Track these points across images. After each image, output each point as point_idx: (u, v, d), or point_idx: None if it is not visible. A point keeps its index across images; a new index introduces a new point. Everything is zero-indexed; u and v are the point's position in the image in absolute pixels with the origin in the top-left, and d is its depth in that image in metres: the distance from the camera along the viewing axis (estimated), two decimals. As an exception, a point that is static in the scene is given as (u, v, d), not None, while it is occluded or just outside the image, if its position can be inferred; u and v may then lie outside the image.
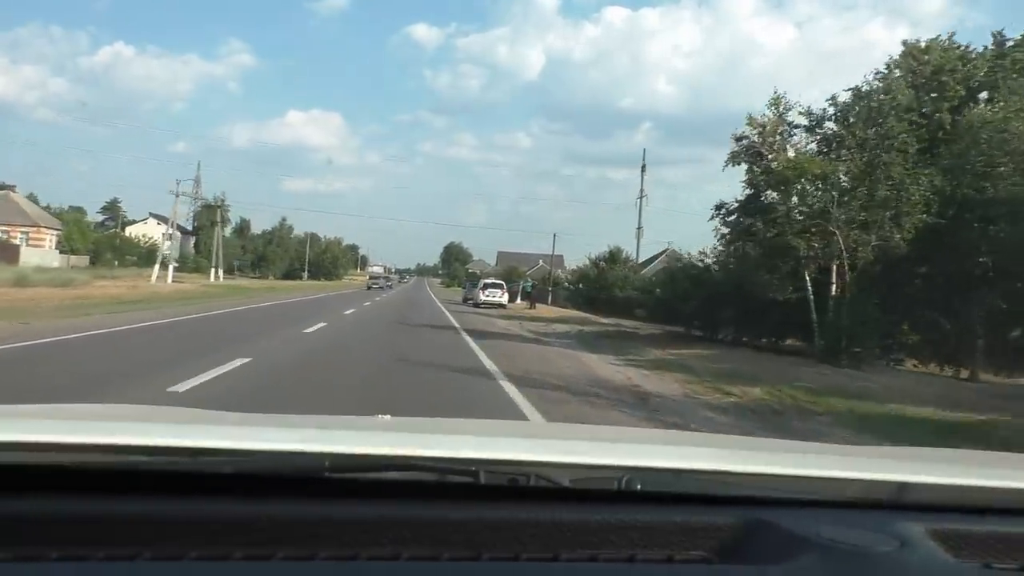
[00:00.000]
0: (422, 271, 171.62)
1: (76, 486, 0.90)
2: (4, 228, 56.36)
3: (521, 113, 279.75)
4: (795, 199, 14.57)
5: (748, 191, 15.86)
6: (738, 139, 15.74)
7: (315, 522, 0.91)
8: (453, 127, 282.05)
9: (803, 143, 15.27)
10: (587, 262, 48.78)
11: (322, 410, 5.53)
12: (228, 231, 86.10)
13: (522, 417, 7.31)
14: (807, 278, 15.09)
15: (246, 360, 9.92)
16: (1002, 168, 12.87)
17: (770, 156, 15.49)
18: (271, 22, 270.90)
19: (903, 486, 1.13)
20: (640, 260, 50.75)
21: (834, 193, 14.32)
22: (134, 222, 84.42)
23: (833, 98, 15.32)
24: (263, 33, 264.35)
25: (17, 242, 54.75)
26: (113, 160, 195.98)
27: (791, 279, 15.16)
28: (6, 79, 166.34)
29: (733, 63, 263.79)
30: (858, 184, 14.32)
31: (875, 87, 14.60)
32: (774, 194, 15.55)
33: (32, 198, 73.73)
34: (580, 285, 48.77)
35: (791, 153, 15.25)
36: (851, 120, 14.53)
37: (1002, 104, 13.79)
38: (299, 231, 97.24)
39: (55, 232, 61.34)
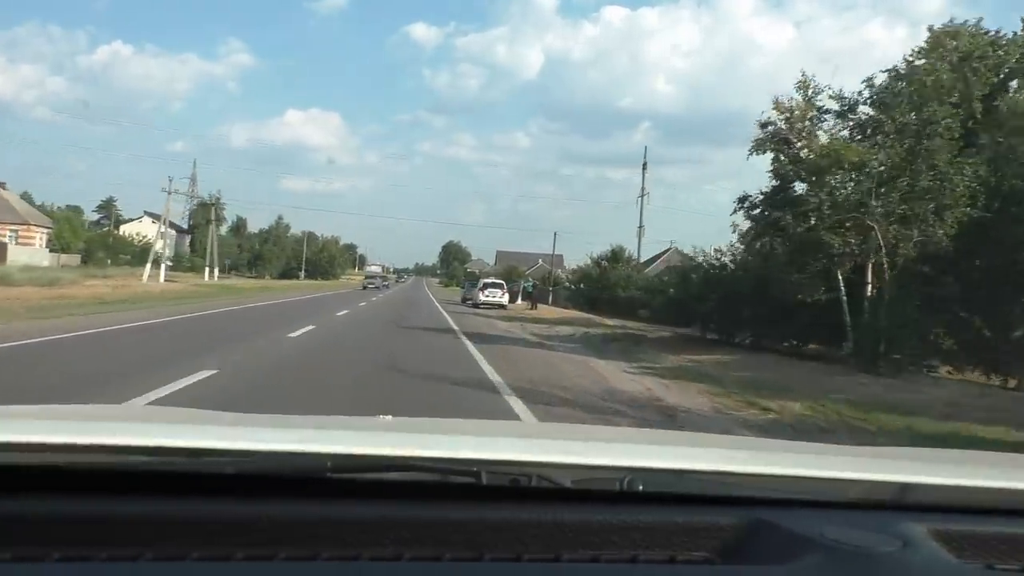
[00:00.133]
0: (421, 271, 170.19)
1: (77, 487, 0.90)
2: (-7, 226, 54.98)
3: (520, 113, 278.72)
4: (828, 190, 13.11)
5: (774, 182, 14.40)
6: (763, 125, 14.32)
7: (316, 522, 0.91)
8: (452, 127, 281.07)
9: (835, 129, 13.84)
10: (588, 261, 47.48)
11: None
12: (224, 230, 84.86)
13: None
14: (840, 277, 13.67)
15: (211, 373, 8.49)
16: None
17: (799, 144, 14.06)
18: (270, 22, 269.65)
19: (906, 487, 1.11)
20: (642, 259, 49.57)
21: (871, 184, 12.89)
22: (130, 221, 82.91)
23: (869, 80, 13.93)
24: (262, 33, 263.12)
25: (6, 240, 53.20)
26: (111, 159, 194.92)
27: (823, 278, 13.73)
28: (4, 78, 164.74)
29: (732, 63, 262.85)
30: (898, 173, 12.89)
31: (915, 67, 13.14)
32: (803, 185, 14.12)
33: (27, 197, 72.26)
34: (581, 285, 47.48)
35: (823, 139, 13.81)
36: (889, 103, 13.09)
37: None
38: (298, 231, 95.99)
39: (46, 230, 59.81)
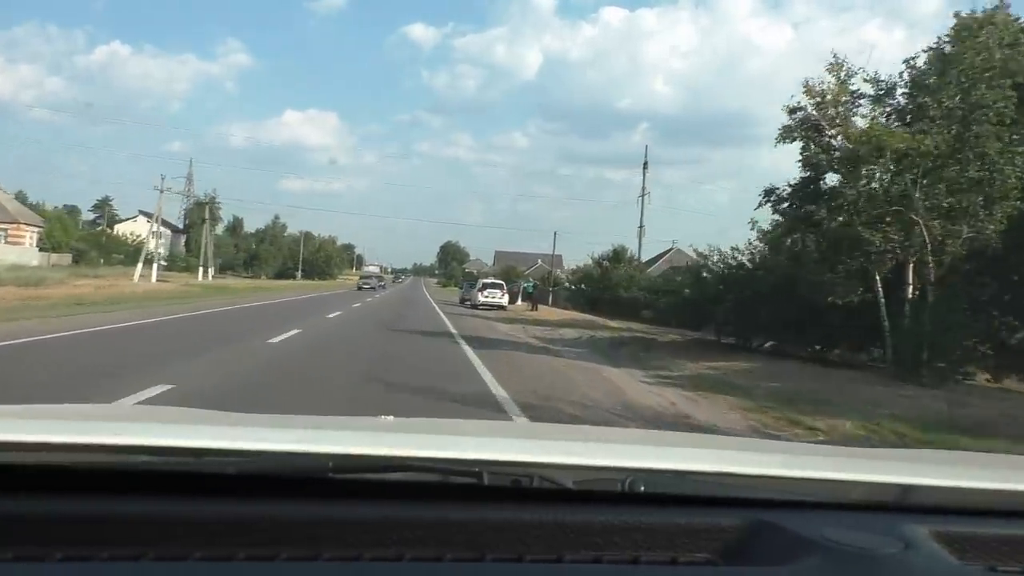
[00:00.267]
0: (419, 271, 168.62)
1: (79, 486, 0.89)
2: (-18, 225, 53.48)
3: (518, 113, 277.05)
4: (865, 181, 11.72)
5: (804, 173, 13.00)
6: (792, 111, 12.91)
7: (318, 523, 0.90)
8: (450, 127, 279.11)
9: (873, 115, 12.43)
10: (590, 261, 46.13)
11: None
12: (220, 230, 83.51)
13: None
14: (877, 277, 12.29)
15: (164, 389, 7.08)
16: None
17: (831, 131, 12.68)
18: (268, 22, 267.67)
19: (908, 488, 1.11)
20: (642, 260, 48.31)
21: (912, 175, 11.52)
22: (124, 220, 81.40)
23: (910, 62, 12.55)
24: (260, 33, 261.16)
25: (-6, 239, 51.77)
26: (110, 159, 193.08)
27: (860, 278, 12.35)
28: (2, 78, 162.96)
29: (730, 64, 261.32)
30: (943, 163, 11.52)
31: (963, 46, 11.76)
32: (836, 176, 12.73)
33: (21, 196, 70.79)
34: (582, 285, 46.15)
35: (860, 124, 12.42)
36: (933, 86, 11.70)
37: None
38: (296, 230, 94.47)
39: (37, 229, 58.27)
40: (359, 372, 9.66)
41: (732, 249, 17.80)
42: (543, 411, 7.81)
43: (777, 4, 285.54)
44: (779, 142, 13.15)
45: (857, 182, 11.74)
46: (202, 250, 60.61)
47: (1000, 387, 13.98)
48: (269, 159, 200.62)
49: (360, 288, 56.70)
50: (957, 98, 11.68)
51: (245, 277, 75.17)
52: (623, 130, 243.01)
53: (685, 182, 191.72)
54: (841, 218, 11.85)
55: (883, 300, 12.35)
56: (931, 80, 11.74)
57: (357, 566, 0.85)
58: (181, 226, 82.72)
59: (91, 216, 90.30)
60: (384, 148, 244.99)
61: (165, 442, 0.98)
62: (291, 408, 7.06)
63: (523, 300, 39.98)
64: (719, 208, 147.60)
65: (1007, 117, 11.54)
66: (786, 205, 13.12)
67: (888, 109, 12.36)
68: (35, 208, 65.52)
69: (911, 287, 12.41)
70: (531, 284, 42.04)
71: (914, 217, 11.41)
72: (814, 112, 12.77)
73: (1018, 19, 14.10)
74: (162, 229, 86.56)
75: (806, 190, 12.80)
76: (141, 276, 47.02)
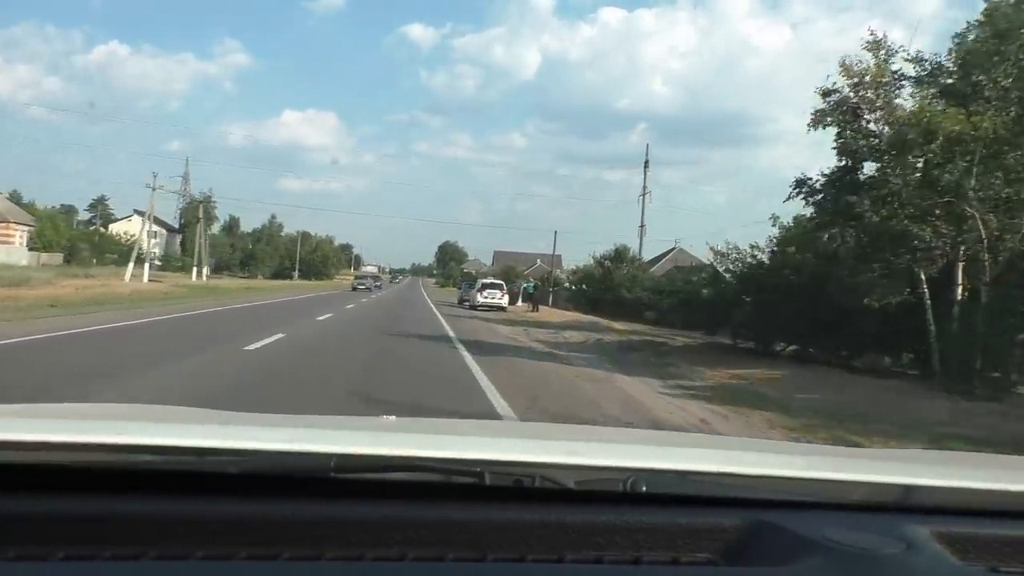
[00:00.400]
0: (417, 271, 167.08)
1: (81, 486, 0.88)
2: (-30, 224, 51.99)
3: (517, 113, 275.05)
4: (912, 169, 10.37)
5: (839, 162, 11.64)
6: (825, 94, 11.55)
7: (320, 522, 0.89)
8: (449, 127, 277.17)
9: (921, 95, 11.07)
10: (590, 261, 44.81)
11: None
12: (217, 229, 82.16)
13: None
14: (923, 277, 10.95)
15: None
16: None
17: (870, 115, 11.33)
18: (267, 22, 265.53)
19: (909, 489, 1.09)
20: (644, 259, 47.04)
21: (965, 161, 10.17)
22: (119, 219, 79.95)
23: (959, 38, 11.23)
24: (259, 33, 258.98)
25: (-18, 238, 50.31)
26: (107, 158, 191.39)
27: (906, 277, 11.01)
28: (0, 77, 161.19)
29: (729, 64, 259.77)
30: (1000, 149, 10.18)
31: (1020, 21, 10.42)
32: (874, 165, 11.38)
33: (15, 195, 69.35)
34: (583, 286, 44.84)
35: (905, 106, 11.06)
36: (986, 65, 10.35)
37: None
38: (294, 230, 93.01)
39: (27, 228, 56.78)
40: (341, 387, 8.29)
41: (751, 247, 16.47)
42: (557, 435, 6.46)
43: (775, 4, 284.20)
44: (812, 128, 11.79)
45: (904, 170, 10.38)
46: (196, 250, 59.11)
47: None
48: (268, 159, 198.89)
49: (355, 289, 54.28)
50: (1011, 79, 10.35)
51: (241, 277, 73.80)
52: (621, 131, 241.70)
53: (684, 182, 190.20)
54: (884, 211, 10.49)
55: (929, 302, 11.00)
56: (984, 58, 10.37)
57: (359, 566, 0.84)
58: (177, 226, 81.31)
59: (88, 216, 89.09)
60: (382, 148, 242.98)
61: (167, 441, 0.97)
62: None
63: (523, 301, 38.63)
64: (718, 208, 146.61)
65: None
66: (820, 197, 11.74)
67: (935, 91, 10.98)
68: (27, 207, 64.04)
69: (960, 287, 11.06)
70: (532, 284, 40.63)
71: (968, 209, 10.07)
72: (851, 94, 11.42)
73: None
74: (157, 229, 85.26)
75: (843, 180, 11.43)
76: (133, 276, 45.59)
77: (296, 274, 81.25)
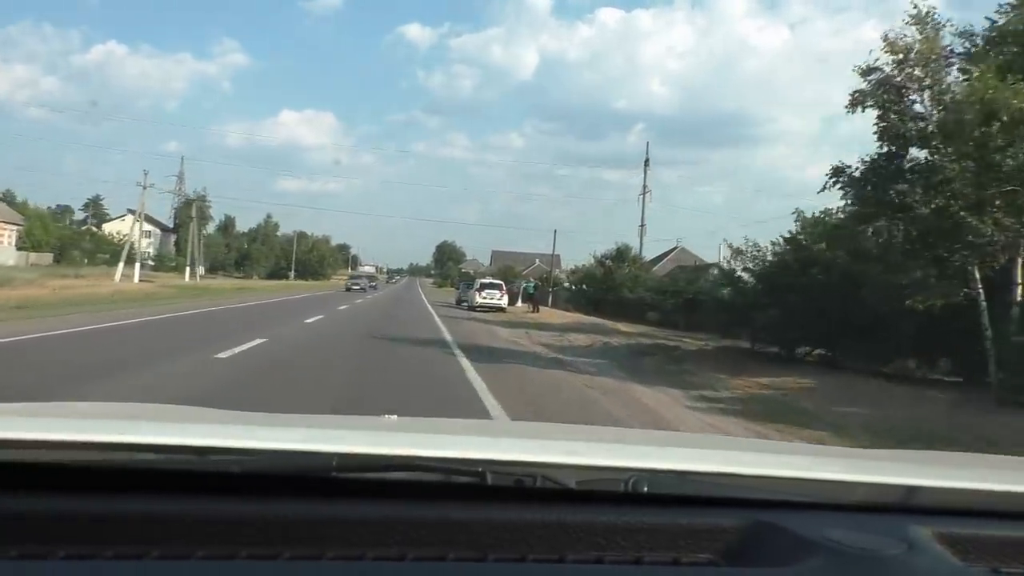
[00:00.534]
0: (415, 271, 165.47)
1: (83, 485, 0.88)
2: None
3: (515, 113, 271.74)
4: (970, 152, 9.02)
5: (882, 148, 10.29)
6: (866, 72, 10.21)
7: (321, 522, 0.89)
8: (447, 127, 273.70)
9: (969, 74, 9.74)
10: (590, 261, 43.47)
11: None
12: (212, 229, 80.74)
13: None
14: (977, 275, 9.63)
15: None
16: None
17: (918, 94, 10.00)
18: (264, 22, 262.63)
19: (911, 489, 1.08)
20: (644, 259, 45.79)
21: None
22: (112, 219, 78.46)
23: (1016, 9, 9.92)
24: (256, 33, 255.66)
25: (-32, 237, 48.82)
26: (103, 159, 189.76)
27: (960, 276, 9.67)
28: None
29: (727, 65, 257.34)
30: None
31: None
32: (921, 150, 10.06)
33: (8, 195, 67.82)
34: (584, 286, 43.52)
35: (952, 84, 9.72)
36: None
37: None
38: (291, 230, 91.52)
39: (16, 228, 55.25)
40: (318, 404, 6.92)
41: (772, 244, 15.13)
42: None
43: (773, 5, 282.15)
44: (850, 110, 10.45)
45: (959, 155, 9.04)
46: (188, 249, 57.69)
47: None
48: (266, 159, 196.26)
49: (348, 289, 51.65)
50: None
51: (237, 277, 72.44)
52: (620, 131, 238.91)
53: (682, 182, 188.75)
54: (938, 200, 9.15)
55: (984, 303, 9.67)
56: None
57: (360, 565, 0.83)
58: (172, 225, 79.84)
59: (82, 215, 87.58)
60: (380, 148, 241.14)
61: (169, 440, 0.96)
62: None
63: (523, 301, 37.28)
64: (716, 208, 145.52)
65: None
66: (862, 187, 10.37)
67: (993, 63, 9.64)
68: (21, 207, 62.47)
69: (1021, 287, 9.74)
70: (532, 284, 39.21)
71: (1034, 199, 8.75)
72: (895, 72, 10.08)
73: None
74: (151, 228, 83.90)
75: (887, 168, 10.09)
76: (124, 276, 44.25)
77: (292, 274, 79.80)
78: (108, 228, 72.72)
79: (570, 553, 0.89)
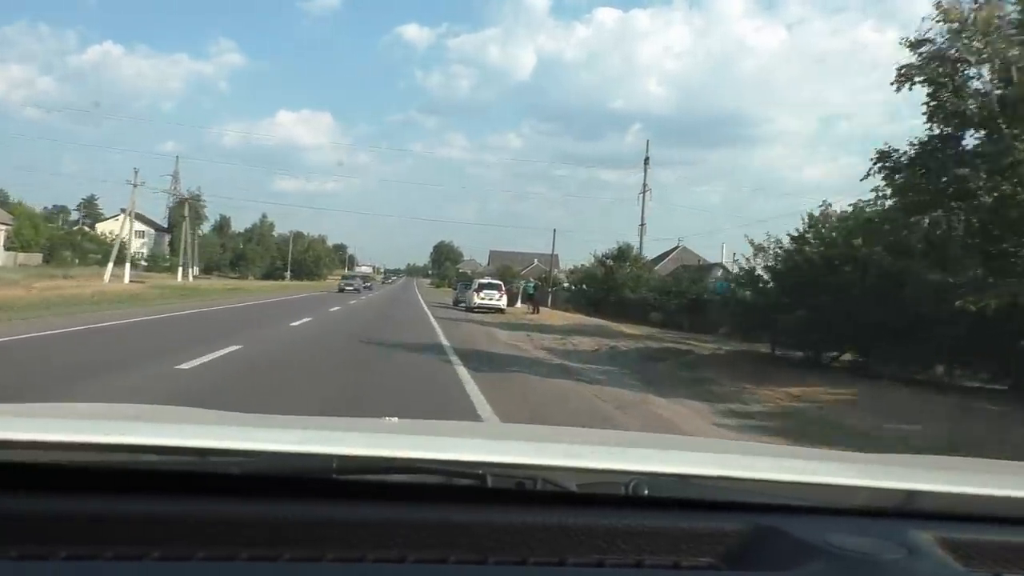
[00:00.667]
0: (412, 271, 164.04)
1: (83, 485, 0.87)
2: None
3: (512, 113, 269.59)
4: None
5: (934, 129, 9.04)
6: (915, 45, 8.99)
7: (322, 523, 0.88)
8: (444, 127, 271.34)
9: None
10: (590, 260, 42.20)
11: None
12: (207, 229, 79.43)
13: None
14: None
15: None
16: None
17: (976, 68, 8.75)
18: (262, 22, 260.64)
19: (912, 494, 1.07)
20: (646, 258, 44.57)
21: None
22: (105, 219, 77.04)
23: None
24: (254, 33, 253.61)
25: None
26: (99, 159, 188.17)
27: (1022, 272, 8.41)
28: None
29: (724, 65, 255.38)
30: None
31: None
32: (978, 131, 8.81)
33: (1, 195, 66.40)
34: (584, 286, 42.27)
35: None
36: None
37: None
38: (287, 230, 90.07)
39: (4, 228, 53.80)
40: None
41: (794, 240, 13.87)
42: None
43: (771, 5, 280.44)
44: (898, 87, 9.19)
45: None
46: (181, 249, 56.33)
47: None
48: (263, 159, 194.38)
49: (341, 290, 49.46)
50: None
51: (232, 277, 71.13)
52: (617, 131, 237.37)
53: (679, 182, 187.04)
54: (1004, 187, 7.90)
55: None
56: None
57: (360, 567, 0.83)
58: (166, 225, 78.49)
59: (76, 216, 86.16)
60: (378, 148, 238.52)
61: (169, 441, 0.96)
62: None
63: (523, 302, 36.02)
64: (714, 208, 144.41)
65: None
66: (905, 174, 9.10)
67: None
68: (13, 207, 60.97)
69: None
70: (532, 284, 37.91)
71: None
72: (949, 44, 8.83)
73: None
74: (145, 228, 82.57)
75: (946, 151, 8.83)
76: (114, 276, 42.93)
77: (288, 274, 78.42)
78: (101, 228, 71.39)
79: (571, 556, 0.88)
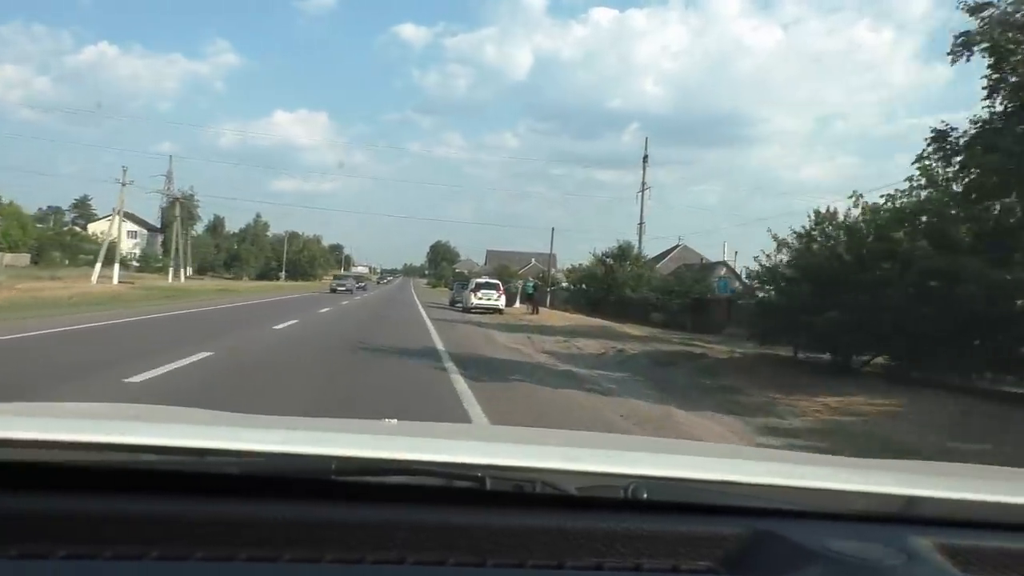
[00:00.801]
0: (409, 271, 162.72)
1: (83, 485, 0.87)
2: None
3: (509, 113, 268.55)
4: None
5: (995, 105, 7.86)
6: (976, 8, 7.81)
7: (321, 525, 0.87)
8: (441, 127, 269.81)
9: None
10: (588, 259, 40.99)
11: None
12: (200, 229, 78.10)
13: None
14: None
15: None
16: None
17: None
18: (257, 22, 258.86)
19: (912, 500, 1.05)
20: (647, 256, 43.43)
21: None
22: (101, 219, 75.64)
23: None
24: (249, 33, 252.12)
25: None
26: (95, 160, 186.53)
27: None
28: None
29: (721, 64, 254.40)
30: None
31: None
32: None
33: (-9, 195, 64.87)
34: (583, 285, 41.09)
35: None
36: None
37: None
38: (282, 230, 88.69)
39: (-8, 228, 52.49)
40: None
41: (814, 234, 12.68)
42: None
43: (767, 5, 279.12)
44: (953, 59, 8.01)
45: None
46: (173, 250, 55.00)
47: None
48: (259, 159, 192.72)
49: (333, 291, 47.34)
50: None
51: (226, 278, 69.88)
52: (614, 130, 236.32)
53: (676, 182, 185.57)
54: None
55: None
56: None
57: (359, 569, 0.83)
58: (159, 225, 77.12)
59: (72, 216, 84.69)
60: (374, 148, 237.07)
61: (169, 441, 0.94)
62: None
63: (522, 302, 34.82)
64: (711, 207, 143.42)
65: None
66: (968, 156, 7.90)
67: None
68: (6, 207, 59.53)
69: None
70: (531, 284, 36.67)
71: None
72: (1015, 7, 7.64)
73: None
74: (137, 228, 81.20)
75: (1011, 130, 7.62)
76: (103, 277, 41.65)
77: (283, 275, 77.07)
78: (93, 228, 70.02)
79: (569, 559, 0.88)
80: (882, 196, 11.42)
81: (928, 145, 8.21)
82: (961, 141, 8.02)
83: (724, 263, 41.00)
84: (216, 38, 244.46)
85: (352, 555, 0.82)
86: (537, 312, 31.26)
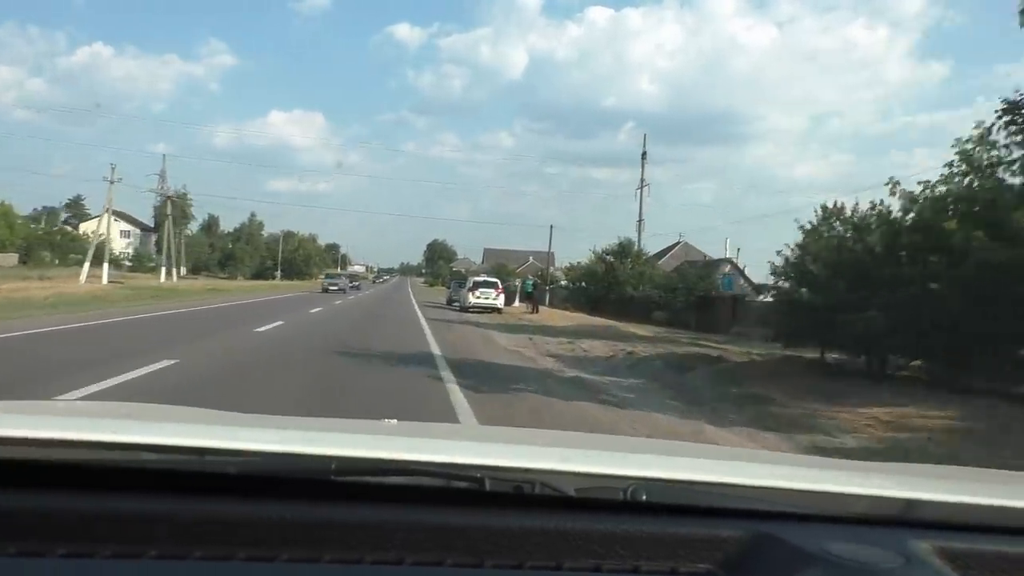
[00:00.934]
0: (406, 270, 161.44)
1: (82, 483, 0.86)
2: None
3: (504, 113, 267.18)
4: None
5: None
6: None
7: (320, 525, 0.86)
8: (436, 127, 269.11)
9: None
10: (591, 257, 39.85)
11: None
12: (195, 228, 76.81)
13: None
14: None
15: None
16: None
17: None
18: (252, 22, 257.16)
19: (911, 503, 1.04)
20: (648, 254, 42.31)
21: None
22: (93, 218, 74.32)
23: None
24: (244, 34, 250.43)
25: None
26: (92, 160, 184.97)
27: None
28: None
29: (716, 63, 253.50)
30: None
31: None
32: None
33: (-18, 195, 63.55)
34: (583, 283, 39.99)
35: None
36: None
37: None
38: (278, 230, 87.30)
39: (-21, 227, 51.17)
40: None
41: (849, 226, 11.52)
42: None
43: (762, 3, 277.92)
44: (1021, 22, 6.87)
45: None
46: (166, 249, 53.75)
47: None
48: (255, 159, 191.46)
49: (326, 290, 45.31)
50: None
51: (221, 278, 68.63)
52: (609, 129, 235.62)
53: (671, 180, 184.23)
54: None
55: None
56: None
57: (358, 569, 0.82)
58: (153, 225, 75.83)
59: (66, 216, 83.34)
60: (370, 148, 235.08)
61: (168, 440, 0.92)
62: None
63: (521, 301, 33.68)
64: (706, 205, 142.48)
65: None
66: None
67: None
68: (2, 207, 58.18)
69: None
70: (531, 282, 35.52)
71: None
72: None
73: None
74: (130, 228, 79.91)
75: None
76: (92, 276, 40.43)
77: (279, 274, 75.76)
78: (84, 227, 68.72)
79: (568, 561, 0.87)
80: (919, 183, 10.26)
81: (999, 117, 7.08)
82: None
83: (728, 260, 39.88)
84: (211, 39, 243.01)
85: (350, 555, 0.82)
86: (537, 311, 30.11)
